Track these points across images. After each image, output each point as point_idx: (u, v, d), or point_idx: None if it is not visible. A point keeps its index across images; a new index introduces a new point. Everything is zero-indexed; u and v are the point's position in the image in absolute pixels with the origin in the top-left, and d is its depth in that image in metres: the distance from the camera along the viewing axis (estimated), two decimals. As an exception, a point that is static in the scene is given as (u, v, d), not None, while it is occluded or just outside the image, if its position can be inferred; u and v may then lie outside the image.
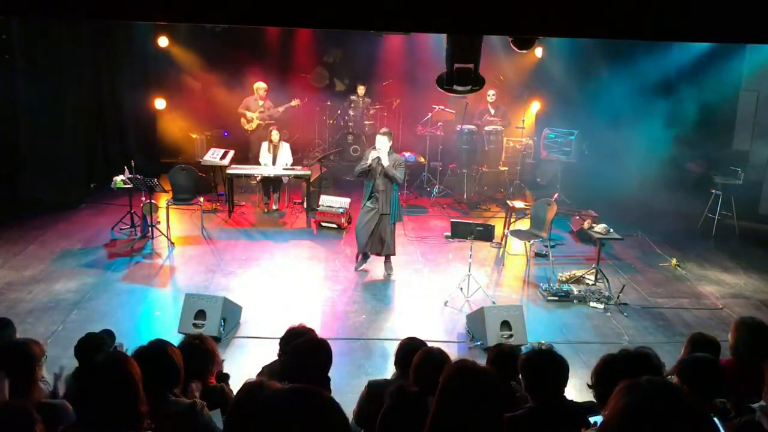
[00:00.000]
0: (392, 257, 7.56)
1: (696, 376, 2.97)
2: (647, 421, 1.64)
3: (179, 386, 2.98)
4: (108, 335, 3.94)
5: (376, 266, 7.63)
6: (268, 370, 3.64)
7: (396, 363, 3.60)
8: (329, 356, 3.17)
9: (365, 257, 7.61)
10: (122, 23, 10.01)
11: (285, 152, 9.66)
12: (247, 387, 2.69)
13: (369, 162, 7.08)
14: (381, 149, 7.09)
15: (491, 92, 11.00)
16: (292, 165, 9.75)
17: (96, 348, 3.66)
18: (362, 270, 7.60)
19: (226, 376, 3.75)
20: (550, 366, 2.89)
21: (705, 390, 2.94)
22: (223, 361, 3.78)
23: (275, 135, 9.62)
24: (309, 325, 3.73)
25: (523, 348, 4.41)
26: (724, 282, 7.78)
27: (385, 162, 7.07)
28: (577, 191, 10.51)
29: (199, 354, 3.31)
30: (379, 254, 7.49)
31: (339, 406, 1.81)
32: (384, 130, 7.24)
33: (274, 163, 9.60)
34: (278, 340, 3.65)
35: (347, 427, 1.87)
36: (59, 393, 3.34)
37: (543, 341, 5.77)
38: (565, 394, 2.96)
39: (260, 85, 10.58)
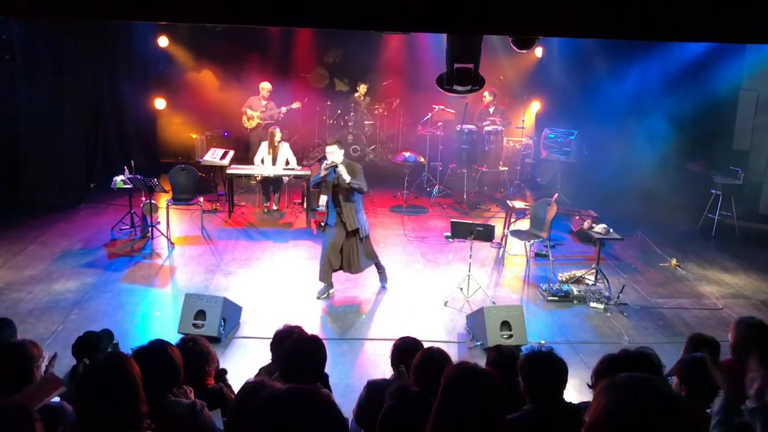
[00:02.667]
0: (386, 267, 7.11)
1: (695, 376, 2.97)
2: (629, 418, 1.62)
3: (179, 386, 2.98)
4: (106, 335, 3.94)
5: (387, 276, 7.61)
6: (264, 371, 3.64)
7: (392, 363, 3.60)
8: (323, 353, 3.16)
9: (329, 285, 6.84)
10: (122, 23, 10.01)
11: (286, 152, 9.65)
12: (248, 387, 2.70)
13: (321, 175, 6.46)
14: (335, 160, 6.43)
15: (486, 93, 10.98)
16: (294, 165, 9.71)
17: (93, 347, 3.65)
18: (324, 296, 6.80)
19: (223, 372, 3.75)
20: (549, 368, 2.89)
21: (704, 390, 2.94)
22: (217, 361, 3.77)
23: (277, 134, 9.59)
24: (309, 324, 3.74)
25: (522, 348, 4.41)
26: (724, 282, 7.78)
27: (346, 177, 6.39)
28: (577, 191, 10.50)
29: (194, 356, 3.30)
30: (350, 272, 6.83)
31: (337, 406, 1.81)
32: (332, 140, 6.66)
33: (274, 163, 9.58)
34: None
35: (345, 426, 1.87)
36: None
37: (543, 341, 5.80)
38: (564, 395, 2.96)
39: (264, 85, 10.62)
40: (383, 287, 7.15)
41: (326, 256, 6.69)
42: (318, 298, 6.81)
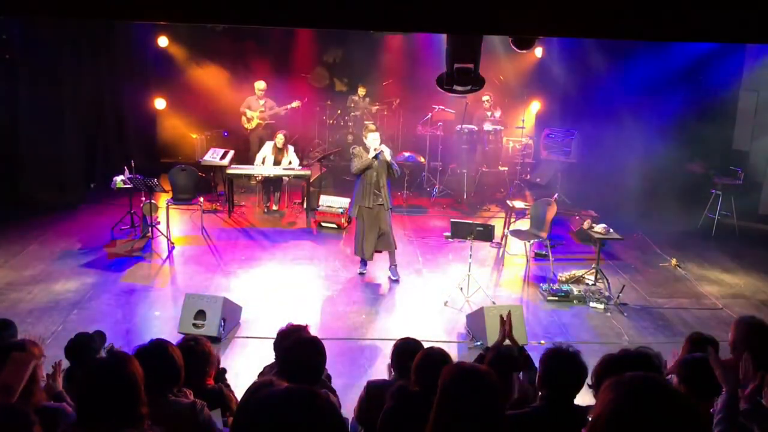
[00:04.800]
0: (379, 255, 7.49)
1: (694, 375, 2.97)
2: (633, 415, 1.63)
3: (179, 386, 2.98)
4: (99, 336, 3.93)
5: (375, 266, 7.63)
6: (269, 370, 3.64)
7: (392, 364, 3.59)
8: (322, 353, 3.15)
9: (366, 262, 7.49)
10: (122, 23, 10.00)
11: (290, 156, 9.64)
12: (256, 386, 2.70)
13: (371, 157, 7.00)
14: (378, 144, 7.02)
15: (485, 98, 10.99)
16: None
17: (86, 348, 3.65)
18: (364, 272, 7.52)
19: (223, 371, 3.75)
20: (571, 369, 2.88)
21: (703, 389, 2.94)
22: (219, 361, 3.77)
23: (280, 139, 9.57)
24: (309, 324, 3.73)
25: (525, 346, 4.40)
26: (724, 282, 7.78)
27: (388, 156, 7.04)
28: (577, 191, 10.51)
29: (196, 356, 3.30)
30: (387, 251, 7.41)
31: (336, 407, 1.82)
32: (372, 125, 7.21)
33: (276, 164, 9.57)
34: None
35: (344, 427, 1.87)
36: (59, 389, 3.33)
37: (542, 341, 5.80)
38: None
39: (259, 84, 10.63)
40: (396, 279, 7.42)
41: (365, 239, 7.22)
42: (360, 273, 7.45)
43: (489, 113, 11.07)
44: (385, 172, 7.12)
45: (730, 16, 2.89)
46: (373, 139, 7.06)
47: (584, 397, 3.13)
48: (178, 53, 11.37)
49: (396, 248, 7.47)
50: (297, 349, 3.11)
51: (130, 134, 11.29)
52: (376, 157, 7.01)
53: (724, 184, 9.61)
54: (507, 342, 3.82)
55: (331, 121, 12.24)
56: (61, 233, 8.48)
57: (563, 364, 2.88)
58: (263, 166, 9.53)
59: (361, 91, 11.89)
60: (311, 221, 9.30)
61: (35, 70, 9.16)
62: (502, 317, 3.84)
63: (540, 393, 2.92)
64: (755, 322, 3.67)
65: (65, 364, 3.68)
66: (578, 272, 7.59)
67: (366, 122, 7.36)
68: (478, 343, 5.87)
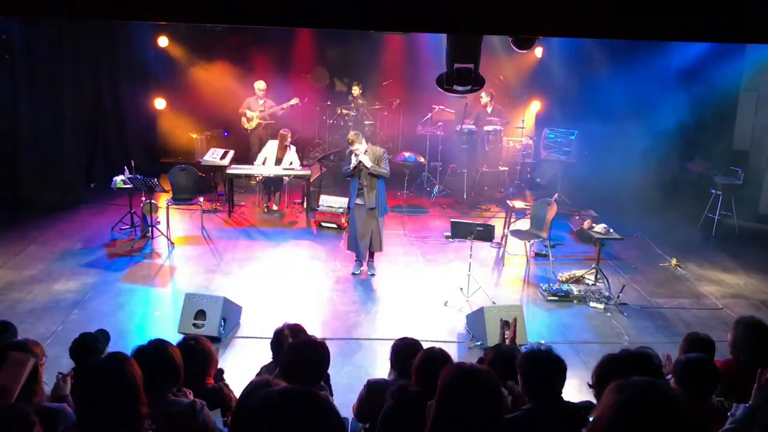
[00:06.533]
0: (379, 255, 7.60)
1: (689, 376, 2.97)
2: (636, 419, 1.65)
3: (179, 386, 2.98)
4: (104, 336, 3.93)
5: (376, 266, 7.62)
6: (265, 370, 3.64)
7: (392, 363, 3.59)
8: (327, 357, 3.16)
9: (361, 262, 7.54)
10: (122, 23, 10.01)
11: (292, 155, 9.65)
12: (253, 386, 2.70)
13: (351, 166, 7.18)
14: (358, 153, 7.12)
15: (484, 94, 10.99)
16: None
17: (91, 348, 3.65)
18: (358, 273, 7.49)
19: (221, 371, 3.75)
20: (548, 366, 2.89)
21: (699, 390, 2.94)
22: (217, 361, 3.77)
23: (288, 137, 9.57)
24: (309, 324, 3.73)
25: (522, 348, 4.41)
26: (724, 282, 7.78)
27: (368, 164, 7.12)
28: (577, 191, 10.50)
29: (196, 356, 3.30)
30: (368, 250, 7.50)
31: (335, 408, 1.82)
32: (350, 136, 7.23)
33: (278, 164, 9.56)
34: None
35: (343, 428, 1.87)
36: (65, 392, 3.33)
37: (543, 341, 5.79)
38: (563, 395, 2.95)
39: (259, 84, 10.63)
40: (372, 274, 7.49)
41: (353, 235, 7.38)
42: (353, 274, 7.42)
43: (489, 109, 11.04)
44: (369, 175, 7.21)
45: (731, 16, 2.89)
46: (355, 149, 7.14)
47: (585, 397, 3.14)
48: (178, 53, 11.37)
49: (379, 251, 7.51)
50: (305, 350, 3.11)
51: (130, 134, 11.29)
52: (357, 165, 7.15)
53: (724, 184, 9.60)
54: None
55: (331, 121, 12.24)
56: (61, 233, 8.49)
57: (539, 365, 2.88)
58: (264, 166, 9.53)
59: (356, 90, 11.89)
60: (311, 221, 9.30)
61: (35, 70, 9.16)
62: (508, 321, 3.83)
63: (527, 397, 2.92)
64: (755, 322, 3.67)
65: (67, 362, 3.68)
66: (578, 272, 7.58)
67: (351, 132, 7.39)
68: (478, 343, 5.87)
